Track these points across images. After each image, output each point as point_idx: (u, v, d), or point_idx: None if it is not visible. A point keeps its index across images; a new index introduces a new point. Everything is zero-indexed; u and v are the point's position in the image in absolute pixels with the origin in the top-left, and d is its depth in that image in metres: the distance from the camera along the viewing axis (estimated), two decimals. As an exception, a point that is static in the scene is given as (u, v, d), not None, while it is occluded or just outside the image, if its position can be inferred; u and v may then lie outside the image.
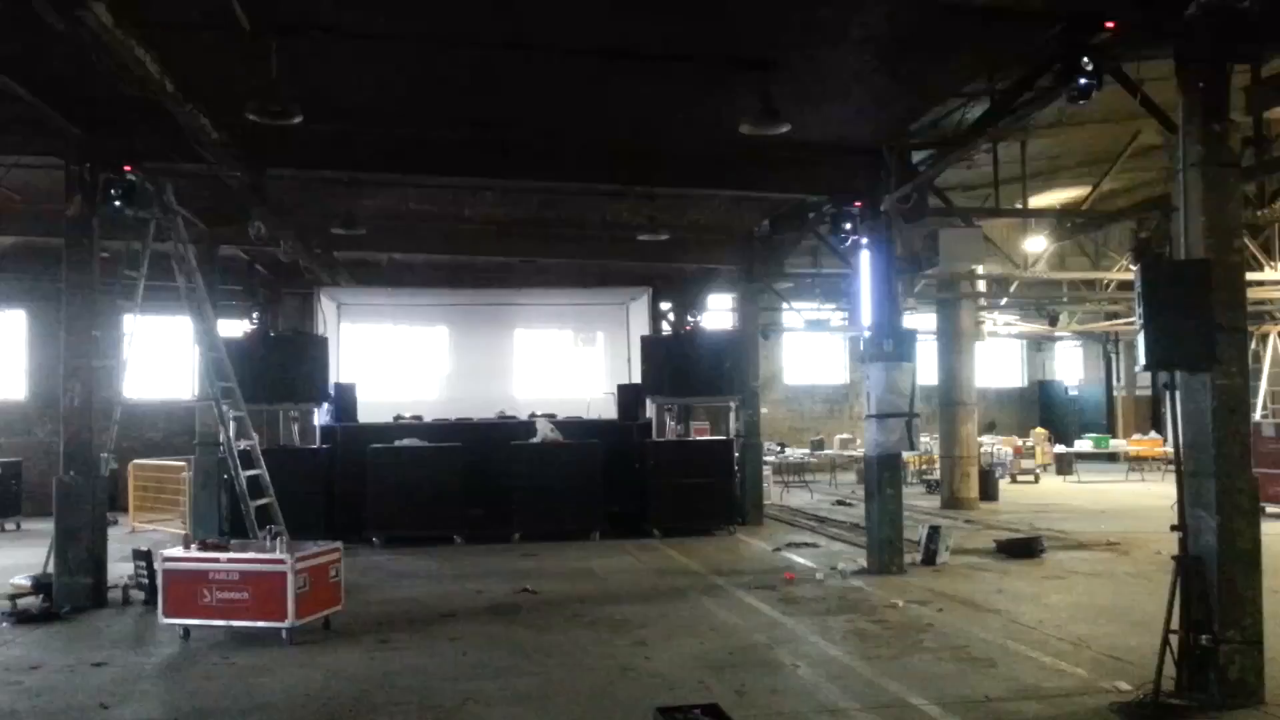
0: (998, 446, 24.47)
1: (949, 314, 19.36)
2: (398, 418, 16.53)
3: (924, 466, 23.64)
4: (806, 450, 24.96)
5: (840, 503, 19.61)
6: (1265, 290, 18.41)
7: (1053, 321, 24.21)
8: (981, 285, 20.20)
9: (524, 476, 14.78)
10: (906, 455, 15.98)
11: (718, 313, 25.49)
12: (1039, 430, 27.20)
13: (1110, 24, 7.30)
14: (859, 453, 20.81)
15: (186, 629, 8.57)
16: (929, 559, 11.90)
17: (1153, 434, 25.45)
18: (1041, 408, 32.32)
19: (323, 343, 16.18)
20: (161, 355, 21.08)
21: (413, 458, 14.74)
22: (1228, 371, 6.51)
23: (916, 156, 11.75)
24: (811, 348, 29.16)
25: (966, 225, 14.62)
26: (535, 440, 15.11)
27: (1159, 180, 15.96)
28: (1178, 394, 6.75)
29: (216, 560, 8.51)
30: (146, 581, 10.04)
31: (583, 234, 17.13)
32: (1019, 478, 23.65)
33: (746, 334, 17.66)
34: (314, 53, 8.76)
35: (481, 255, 18.27)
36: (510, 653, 8.04)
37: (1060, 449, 25.50)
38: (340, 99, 10.13)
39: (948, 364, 19.27)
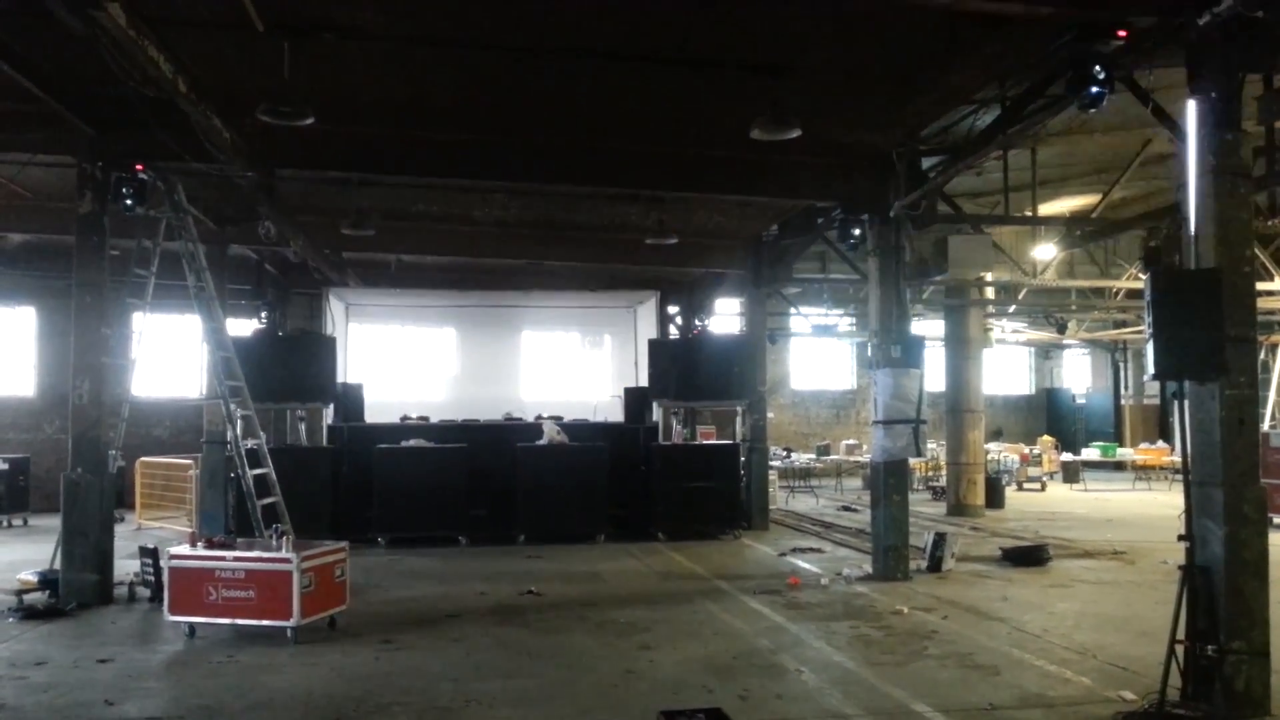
0: (1004, 454, 24.42)
1: (957, 320, 19.34)
2: (404, 418, 16.57)
3: (930, 473, 23.62)
4: (812, 455, 24.96)
5: (846, 508, 19.59)
6: (1275, 300, 18.35)
7: (1061, 329, 24.16)
8: (990, 292, 20.17)
9: (529, 479, 14.79)
10: (913, 461, 15.94)
11: (725, 317, 25.47)
12: (1046, 438, 27.13)
13: (1122, 32, 7.28)
14: (865, 458, 20.83)
15: (192, 627, 8.59)
16: (934, 566, 11.88)
17: (1160, 443, 25.37)
18: (1049, 415, 32.25)
19: (330, 343, 16.21)
20: (170, 354, 21.14)
21: (419, 458, 14.75)
22: (1236, 382, 6.49)
23: (926, 163, 11.74)
24: (819, 353, 29.15)
25: (975, 232, 14.61)
26: (541, 442, 15.12)
27: (1169, 189, 15.91)
28: (1186, 403, 6.73)
29: (222, 558, 8.54)
30: (152, 579, 10.07)
31: (591, 237, 17.16)
32: (1025, 485, 23.61)
33: (754, 338, 17.65)
34: (326, 54, 8.81)
35: (489, 257, 18.29)
36: (514, 654, 8.05)
37: (1067, 457, 25.43)
38: (351, 101, 10.17)
39: (955, 370, 19.25)
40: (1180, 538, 6.67)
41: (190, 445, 17.88)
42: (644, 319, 20.48)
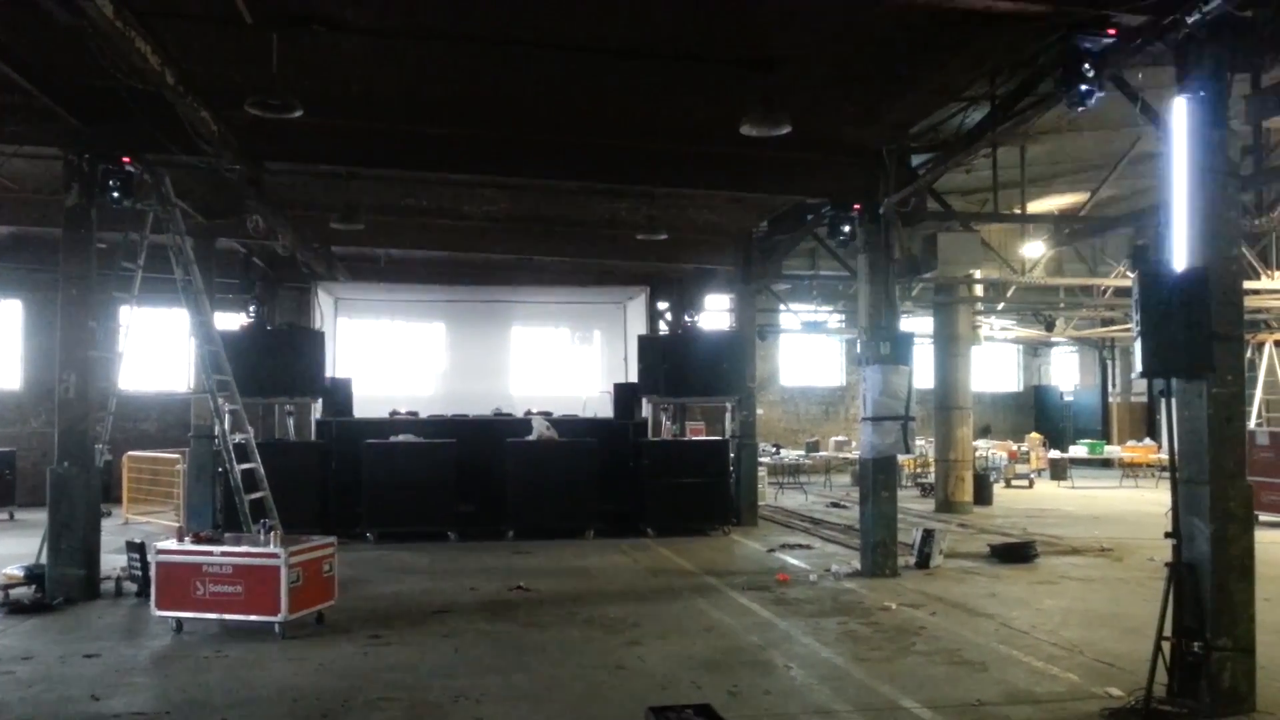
0: (992, 451, 24.50)
1: (946, 318, 19.38)
2: (393, 413, 16.52)
3: (919, 470, 23.67)
4: (802, 452, 25.01)
5: (835, 505, 19.64)
6: (1262, 299, 18.44)
7: (1049, 327, 24.25)
8: (979, 290, 20.19)
9: (519, 474, 14.77)
10: (901, 458, 15.98)
11: (715, 313, 25.47)
12: (1034, 435, 27.23)
13: (1112, 30, 7.30)
14: (854, 455, 20.85)
15: (179, 622, 8.56)
16: (922, 562, 11.92)
17: (1147, 440, 25.50)
18: (1037, 413, 32.37)
19: (319, 337, 16.17)
20: (158, 347, 21.06)
21: (408, 454, 14.72)
22: (1224, 380, 6.52)
23: (916, 160, 11.76)
24: (808, 349, 29.18)
25: (964, 229, 14.64)
26: (530, 438, 15.11)
27: (1157, 187, 15.96)
28: (1173, 401, 6.76)
29: (210, 553, 8.51)
30: (139, 573, 10.03)
31: (581, 232, 17.14)
32: (1013, 482, 23.69)
33: (743, 335, 17.66)
34: (315, 47, 8.77)
35: (480, 252, 18.27)
36: (503, 650, 8.04)
37: (1055, 454, 25.52)
38: (340, 93, 10.12)
39: (944, 368, 19.30)
40: (1167, 535, 6.71)
41: (178, 439, 17.79)
42: (634, 314, 20.49)
